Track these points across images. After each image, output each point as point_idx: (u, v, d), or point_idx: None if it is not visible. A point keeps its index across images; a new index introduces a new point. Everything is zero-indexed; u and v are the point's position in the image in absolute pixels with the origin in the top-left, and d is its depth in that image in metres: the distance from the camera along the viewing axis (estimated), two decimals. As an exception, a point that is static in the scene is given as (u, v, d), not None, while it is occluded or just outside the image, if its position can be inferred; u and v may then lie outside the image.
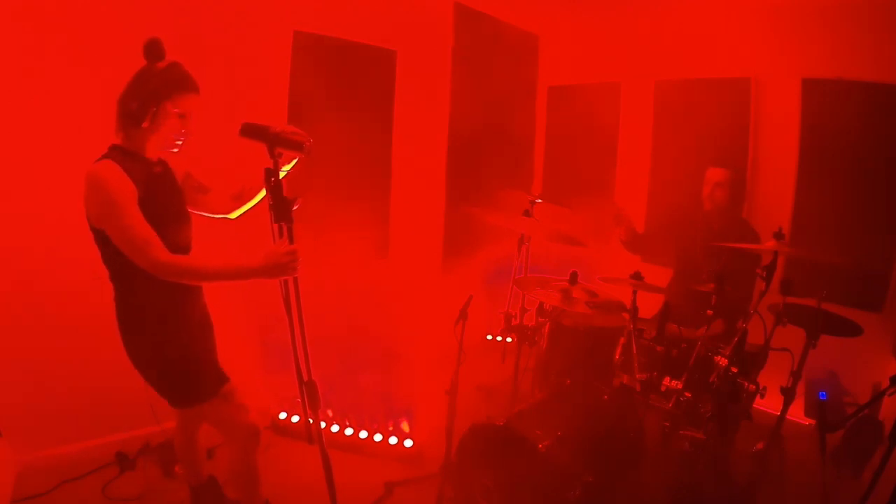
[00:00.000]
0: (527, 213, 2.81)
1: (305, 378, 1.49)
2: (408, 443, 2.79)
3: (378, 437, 2.82)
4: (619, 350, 2.57)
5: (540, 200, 2.90)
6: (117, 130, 1.62)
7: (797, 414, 3.12)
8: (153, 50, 1.57)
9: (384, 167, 3.73)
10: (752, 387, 2.24)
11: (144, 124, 1.59)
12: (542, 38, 4.73)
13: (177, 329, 1.75)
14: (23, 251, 2.26)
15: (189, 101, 1.64)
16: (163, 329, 1.72)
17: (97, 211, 1.55)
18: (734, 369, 2.24)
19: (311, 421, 1.52)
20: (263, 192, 1.57)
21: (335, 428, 2.85)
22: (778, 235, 2.23)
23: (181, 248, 1.77)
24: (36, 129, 2.26)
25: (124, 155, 1.59)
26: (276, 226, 1.44)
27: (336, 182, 3.18)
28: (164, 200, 1.68)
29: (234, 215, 1.95)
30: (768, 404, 2.47)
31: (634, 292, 2.43)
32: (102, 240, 1.59)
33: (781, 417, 2.34)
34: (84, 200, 1.57)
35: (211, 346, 1.91)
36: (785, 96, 3.36)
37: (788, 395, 2.30)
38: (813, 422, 3.11)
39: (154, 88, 1.58)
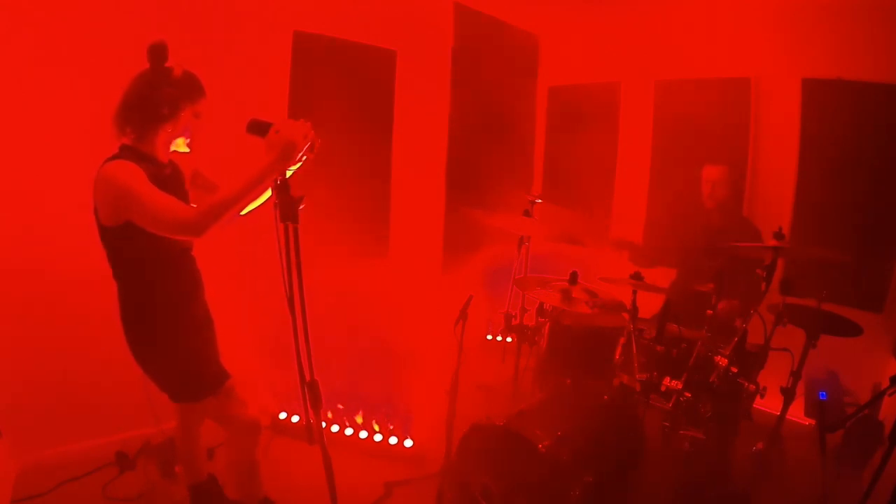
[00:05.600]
0: (527, 214, 2.81)
1: (307, 378, 1.49)
2: (408, 443, 2.79)
3: (378, 437, 2.82)
4: (619, 350, 2.57)
5: (540, 200, 2.90)
6: (126, 132, 1.62)
7: (797, 414, 3.12)
8: (159, 53, 1.58)
9: (384, 167, 3.73)
10: (752, 387, 2.25)
11: (170, 127, 1.63)
12: (542, 38, 4.72)
13: (180, 325, 1.77)
14: (23, 252, 2.26)
15: (205, 103, 1.70)
16: (166, 325, 1.74)
17: (115, 206, 1.55)
18: (734, 369, 2.24)
19: (313, 421, 1.52)
20: (268, 192, 1.57)
21: (335, 428, 2.85)
22: (778, 235, 2.23)
23: (184, 248, 1.80)
24: (35, 129, 2.25)
25: (136, 155, 1.61)
26: (281, 226, 1.44)
27: (336, 182, 3.18)
28: None
29: (242, 212, 1.94)
30: (768, 404, 2.48)
31: (634, 292, 2.44)
32: (115, 238, 1.60)
33: (781, 417, 2.34)
34: (95, 201, 1.58)
35: (212, 343, 1.93)
36: (785, 96, 3.36)
37: (788, 395, 2.31)
38: (813, 422, 3.11)
39: (181, 93, 1.62)
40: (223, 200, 1.48)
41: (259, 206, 1.90)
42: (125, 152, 1.61)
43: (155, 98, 1.59)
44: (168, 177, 1.72)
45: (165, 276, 1.73)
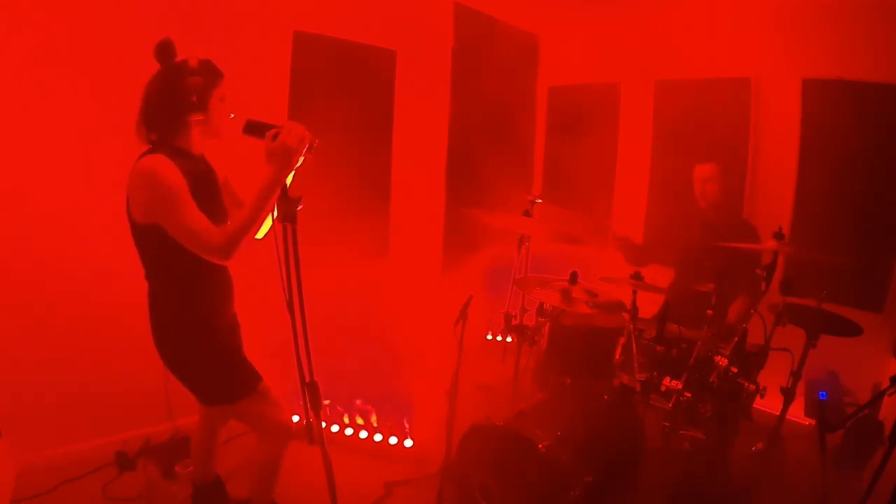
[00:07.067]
0: (527, 213, 2.81)
1: (307, 378, 1.50)
2: (408, 443, 2.79)
3: (378, 437, 2.82)
4: (619, 350, 2.58)
5: (540, 200, 2.90)
6: (154, 129, 1.60)
7: (797, 414, 3.12)
8: (167, 50, 1.56)
9: (384, 167, 3.73)
10: (752, 387, 2.25)
11: (201, 116, 1.62)
12: (542, 37, 4.72)
13: (215, 328, 1.76)
14: (23, 252, 2.26)
15: (226, 84, 1.68)
16: (202, 328, 1.73)
17: (149, 205, 1.53)
18: (734, 369, 2.24)
19: (313, 422, 1.52)
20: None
21: (335, 428, 2.85)
22: (778, 235, 2.23)
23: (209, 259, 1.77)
24: (35, 130, 2.25)
25: (171, 150, 1.59)
26: (279, 226, 1.44)
27: (336, 182, 3.18)
28: (209, 197, 1.66)
29: (259, 234, 1.77)
30: (768, 404, 2.47)
31: (634, 292, 2.43)
32: (147, 236, 1.58)
33: (781, 417, 2.34)
34: (129, 195, 1.56)
35: (241, 345, 1.92)
36: (785, 96, 3.36)
37: (788, 395, 2.31)
38: (813, 422, 3.11)
39: (204, 80, 1.61)
40: (242, 222, 1.51)
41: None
42: (160, 147, 1.58)
43: (180, 91, 1.57)
44: (204, 172, 1.70)
45: (200, 277, 1.69)
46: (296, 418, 2.90)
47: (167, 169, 1.51)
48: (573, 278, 2.32)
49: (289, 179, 1.53)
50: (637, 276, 2.42)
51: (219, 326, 1.78)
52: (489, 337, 4.26)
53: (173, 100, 1.57)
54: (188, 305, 1.70)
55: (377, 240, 3.73)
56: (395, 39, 3.57)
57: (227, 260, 1.53)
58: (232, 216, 1.81)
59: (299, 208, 1.43)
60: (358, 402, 2.95)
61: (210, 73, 1.63)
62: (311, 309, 1.48)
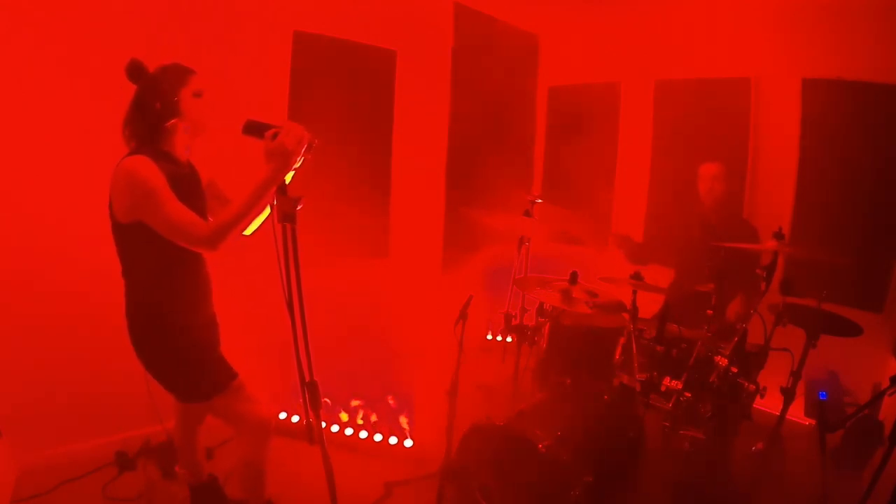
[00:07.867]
0: (527, 214, 2.81)
1: (307, 378, 1.50)
2: (408, 443, 2.79)
3: (378, 437, 2.82)
4: (619, 350, 2.58)
5: (540, 200, 2.90)
6: (140, 137, 1.63)
7: (797, 414, 3.12)
8: (135, 71, 1.61)
9: (384, 167, 3.73)
10: (752, 387, 2.24)
11: (174, 120, 1.64)
12: (542, 38, 4.73)
13: (188, 325, 1.77)
14: (23, 251, 2.26)
15: (197, 80, 1.68)
16: (175, 326, 1.74)
17: (131, 203, 1.56)
18: (734, 369, 2.24)
19: (313, 422, 1.52)
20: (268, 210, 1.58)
21: (335, 428, 2.86)
22: (778, 235, 2.23)
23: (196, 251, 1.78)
24: (35, 131, 2.25)
25: (154, 152, 1.61)
26: (279, 226, 1.44)
27: (336, 182, 3.19)
28: (189, 201, 1.66)
29: (248, 231, 1.82)
30: (768, 404, 2.47)
31: (634, 292, 2.44)
32: (128, 235, 1.61)
33: (781, 417, 2.34)
34: (111, 195, 1.59)
35: (218, 342, 1.93)
36: (785, 96, 3.36)
37: (788, 395, 2.31)
38: (813, 422, 3.11)
39: (168, 83, 1.63)
40: (233, 216, 1.53)
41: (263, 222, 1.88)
42: (142, 148, 1.61)
43: (148, 102, 1.61)
44: (186, 176, 1.73)
45: (176, 276, 1.73)
46: (296, 418, 2.92)
47: (147, 168, 1.54)
48: (573, 278, 2.32)
49: (288, 178, 1.53)
50: (637, 276, 2.42)
51: (194, 324, 1.80)
52: (489, 337, 4.27)
53: (143, 112, 1.61)
54: (163, 303, 1.72)
55: (377, 239, 3.73)
56: (395, 39, 3.57)
57: (214, 251, 1.54)
58: (214, 213, 1.83)
59: (299, 208, 1.43)
60: (358, 402, 2.96)
61: (174, 75, 1.65)
62: (311, 309, 1.48)
